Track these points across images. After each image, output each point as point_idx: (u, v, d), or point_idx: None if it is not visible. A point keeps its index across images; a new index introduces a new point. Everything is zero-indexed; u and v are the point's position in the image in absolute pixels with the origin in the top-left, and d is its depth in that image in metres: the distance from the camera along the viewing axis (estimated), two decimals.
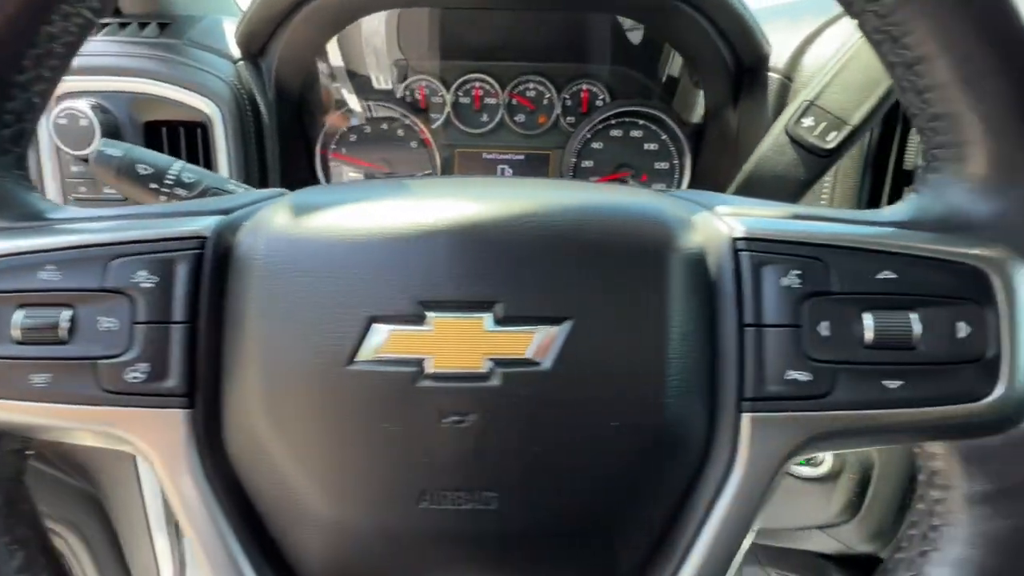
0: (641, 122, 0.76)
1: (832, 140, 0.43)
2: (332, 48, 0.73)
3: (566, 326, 0.25)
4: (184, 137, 0.63)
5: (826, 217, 0.28)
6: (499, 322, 0.25)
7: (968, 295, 0.26)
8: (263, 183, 0.66)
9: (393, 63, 0.76)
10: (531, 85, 0.77)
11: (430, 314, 0.25)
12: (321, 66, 0.74)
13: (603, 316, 0.25)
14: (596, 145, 0.78)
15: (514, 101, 0.77)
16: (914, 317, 0.26)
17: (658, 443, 0.26)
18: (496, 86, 0.76)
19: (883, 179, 0.60)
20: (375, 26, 0.73)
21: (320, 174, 0.78)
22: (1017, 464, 0.26)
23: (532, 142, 0.79)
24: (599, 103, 0.77)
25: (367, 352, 0.25)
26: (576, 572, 0.27)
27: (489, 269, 0.25)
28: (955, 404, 0.25)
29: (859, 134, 0.44)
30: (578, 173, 0.79)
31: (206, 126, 0.62)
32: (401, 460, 0.25)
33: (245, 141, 0.63)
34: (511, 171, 0.79)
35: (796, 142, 0.45)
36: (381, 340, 0.25)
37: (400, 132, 0.78)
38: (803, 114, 0.45)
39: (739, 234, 0.27)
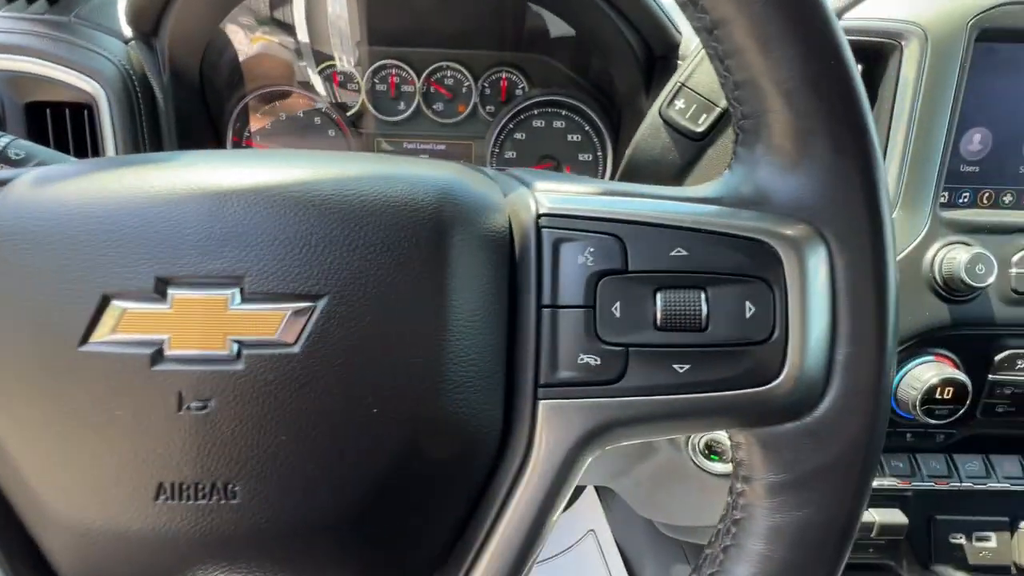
0: (564, 112, 0.75)
1: (703, 123, 0.42)
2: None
3: (320, 304, 0.23)
4: (70, 120, 0.60)
5: (635, 193, 0.27)
6: (246, 300, 0.23)
7: (756, 273, 0.24)
8: None
9: (312, 48, 0.74)
10: (448, 73, 0.75)
11: (171, 291, 0.23)
12: (253, 46, 0.71)
13: (366, 296, 0.23)
14: (519, 135, 0.76)
15: (431, 89, 0.75)
16: (703, 297, 0.24)
17: (438, 432, 0.24)
18: (412, 73, 0.74)
19: None
20: (282, 8, 0.71)
21: None
22: (808, 452, 0.24)
23: (452, 131, 0.77)
24: (519, 92, 0.75)
25: (101, 332, 0.23)
26: (347, 570, 0.25)
27: (235, 241, 0.23)
28: (742, 389, 0.24)
29: (730, 117, 0.43)
30: (500, 163, 0.77)
31: (92, 108, 0.59)
32: (136, 452, 0.23)
33: (134, 125, 0.60)
34: None
35: (669, 125, 0.43)
36: (116, 319, 0.23)
37: (317, 120, 0.76)
38: (675, 96, 0.43)
39: (544, 210, 0.26)
